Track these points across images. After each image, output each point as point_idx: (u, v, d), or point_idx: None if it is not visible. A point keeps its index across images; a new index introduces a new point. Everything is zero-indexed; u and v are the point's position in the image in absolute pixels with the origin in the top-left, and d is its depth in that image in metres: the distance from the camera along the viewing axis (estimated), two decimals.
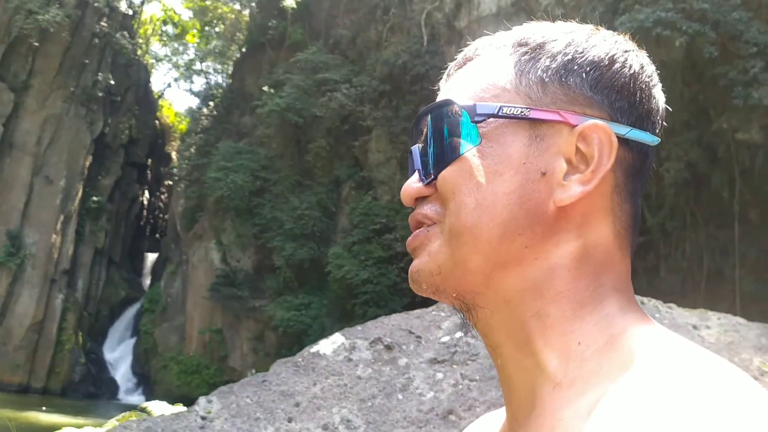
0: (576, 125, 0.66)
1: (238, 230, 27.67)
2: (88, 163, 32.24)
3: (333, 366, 2.94)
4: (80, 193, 31.76)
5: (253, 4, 34.88)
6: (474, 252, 0.66)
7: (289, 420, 2.70)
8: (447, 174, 0.68)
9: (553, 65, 0.69)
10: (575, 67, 0.69)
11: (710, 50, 14.48)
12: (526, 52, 0.71)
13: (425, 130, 0.72)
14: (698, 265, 15.57)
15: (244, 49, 35.43)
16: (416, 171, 0.72)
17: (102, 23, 32.59)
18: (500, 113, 0.67)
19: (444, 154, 0.68)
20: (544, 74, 0.69)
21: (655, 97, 0.72)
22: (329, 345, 3.04)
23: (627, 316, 0.65)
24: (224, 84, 38.05)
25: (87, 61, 31.93)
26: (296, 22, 30.28)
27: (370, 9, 27.65)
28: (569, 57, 0.69)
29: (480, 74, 0.71)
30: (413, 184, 0.71)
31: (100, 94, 32.63)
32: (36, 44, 29.61)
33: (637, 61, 0.71)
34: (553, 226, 0.66)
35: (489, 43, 0.75)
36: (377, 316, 3.59)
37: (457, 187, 0.67)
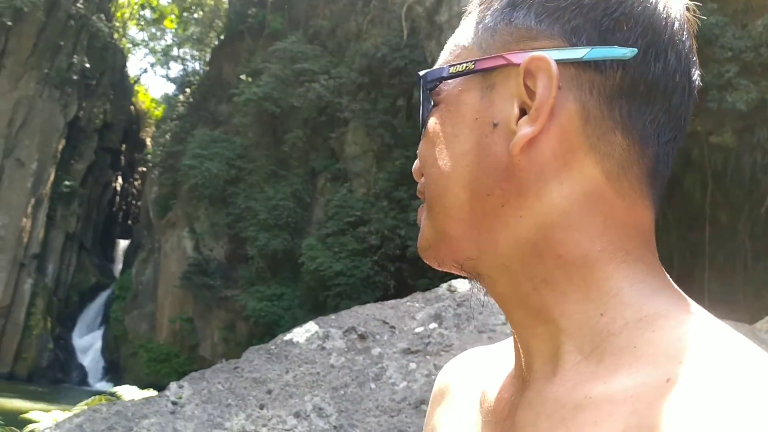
0: (519, 63, 0.60)
1: (211, 219, 27.48)
2: (60, 147, 31.76)
3: (306, 354, 2.94)
4: (52, 177, 31.30)
5: None
6: (448, 220, 0.63)
7: (261, 407, 2.70)
8: (420, 147, 0.67)
9: (499, 6, 0.64)
10: (519, 1, 0.63)
11: None
12: (483, 2, 0.67)
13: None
14: (669, 265, 15.62)
15: (222, 37, 35.12)
16: None
17: (78, 5, 32.08)
18: (446, 74, 0.64)
19: (420, 127, 0.68)
20: (492, 20, 0.64)
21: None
22: (303, 333, 3.04)
23: (662, 295, 0.58)
24: (201, 71, 37.71)
25: (62, 43, 31.42)
26: (276, 11, 30.08)
27: (351, 0, 27.55)
28: None
29: (453, 37, 0.70)
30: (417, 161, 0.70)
31: (75, 77, 32.14)
32: (9, 24, 29.06)
33: None
34: (523, 178, 0.60)
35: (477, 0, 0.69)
36: (349, 309, 3.60)
37: (425, 159, 0.66)
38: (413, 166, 0.70)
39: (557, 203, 0.59)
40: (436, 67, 0.67)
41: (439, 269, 0.69)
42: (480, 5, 0.67)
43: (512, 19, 0.62)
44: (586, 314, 0.58)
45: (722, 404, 0.46)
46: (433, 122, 0.65)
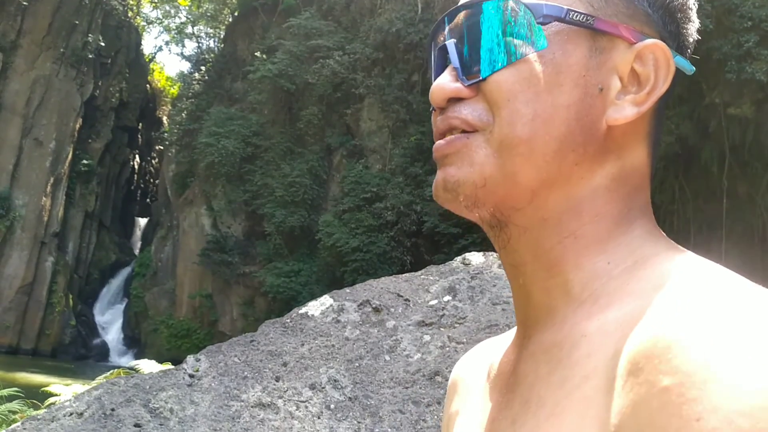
0: (635, 43, 0.63)
1: (228, 196, 27.63)
2: (78, 126, 31.99)
3: (321, 327, 2.97)
4: (70, 156, 31.56)
5: None
6: (527, 166, 0.62)
7: (277, 379, 2.73)
8: (502, 78, 0.62)
9: None
10: None
11: (705, 23, 14.43)
12: None
13: (466, 24, 0.65)
14: (685, 238, 15.68)
15: (236, 13, 35.01)
16: (451, 69, 0.65)
17: None
18: (567, 17, 0.62)
19: (497, 54, 0.63)
20: None
21: (694, 24, 0.69)
22: (318, 306, 3.06)
23: (659, 241, 0.63)
24: (216, 48, 37.66)
25: (77, 22, 31.49)
26: None
27: None
28: None
29: None
30: (449, 83, 0.65)
31: (91, 56, 32.25)
32: (25, 3, 29.15)
33: None
34: (605, 146, 0.63)
35: None
36: None
37: (513, 93, 0.62)
38: (444, 88, 0.65)
39: (613, 173, 0.64)
40: None
41: (457, 210, 0.66)
42: None
43: None
44: (596, 265, 0.63)
45: (701, 316, 0.48)
46: (534, 59, 0.62)
